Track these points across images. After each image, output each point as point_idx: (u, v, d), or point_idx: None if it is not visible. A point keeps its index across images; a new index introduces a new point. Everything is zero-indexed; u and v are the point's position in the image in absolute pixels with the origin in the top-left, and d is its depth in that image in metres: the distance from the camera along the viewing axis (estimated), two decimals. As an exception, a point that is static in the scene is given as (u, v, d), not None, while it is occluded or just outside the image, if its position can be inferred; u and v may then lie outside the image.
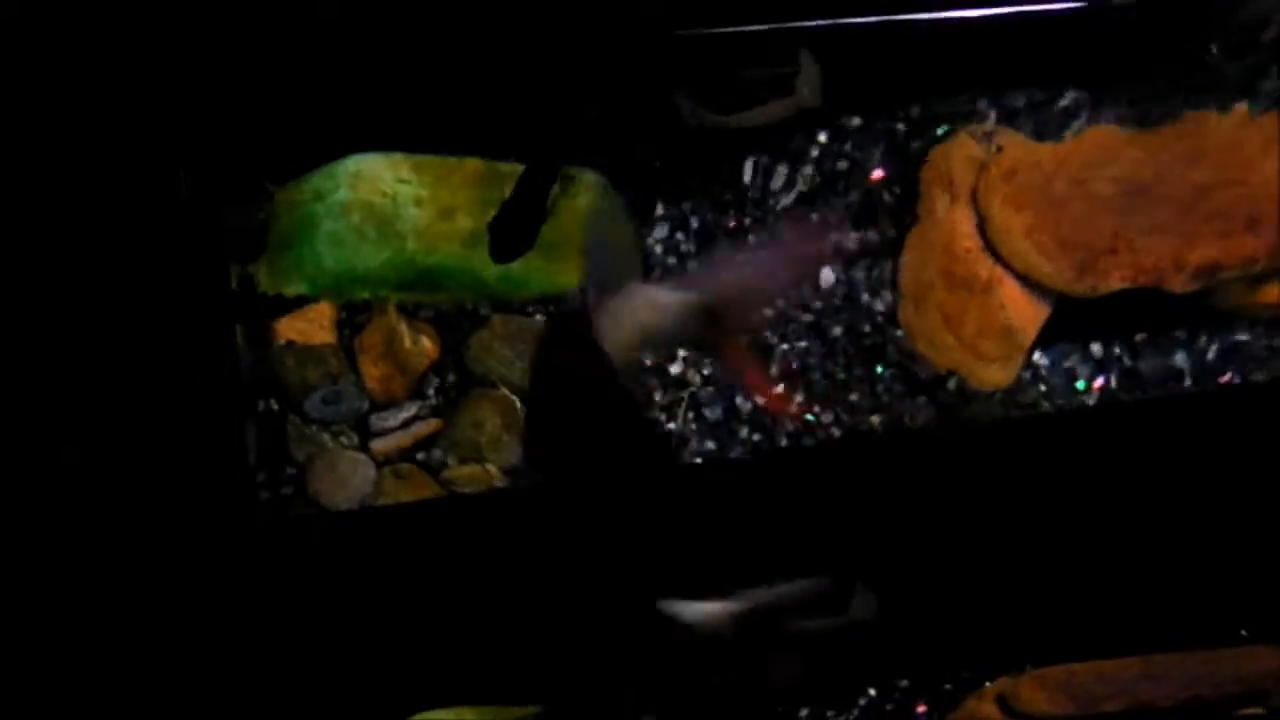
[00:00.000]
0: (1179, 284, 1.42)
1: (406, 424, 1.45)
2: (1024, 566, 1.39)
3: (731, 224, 1.53)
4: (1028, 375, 1.49)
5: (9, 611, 1.29)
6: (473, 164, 1.48)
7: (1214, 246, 1.41)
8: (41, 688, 1.29)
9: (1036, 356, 1.49)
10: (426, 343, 1.47)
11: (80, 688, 1.30)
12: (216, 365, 1.41)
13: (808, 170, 1.54)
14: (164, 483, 1.34)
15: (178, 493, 1.35)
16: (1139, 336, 1.50)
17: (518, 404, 1.45)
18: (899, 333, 1.49)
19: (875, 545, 1.41)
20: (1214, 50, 1.51)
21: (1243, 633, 1.39)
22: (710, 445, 1.48)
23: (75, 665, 1.31)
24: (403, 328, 1.46)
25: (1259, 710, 1.36)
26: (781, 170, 1.54)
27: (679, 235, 1.53)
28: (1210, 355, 1.50)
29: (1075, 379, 1.50)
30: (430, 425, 1.45)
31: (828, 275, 1.51)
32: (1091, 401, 1.49)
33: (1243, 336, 1.49)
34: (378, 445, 1.45)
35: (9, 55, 1.29)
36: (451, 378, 1.47)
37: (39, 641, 1.30)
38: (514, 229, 1.39)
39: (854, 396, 1.49)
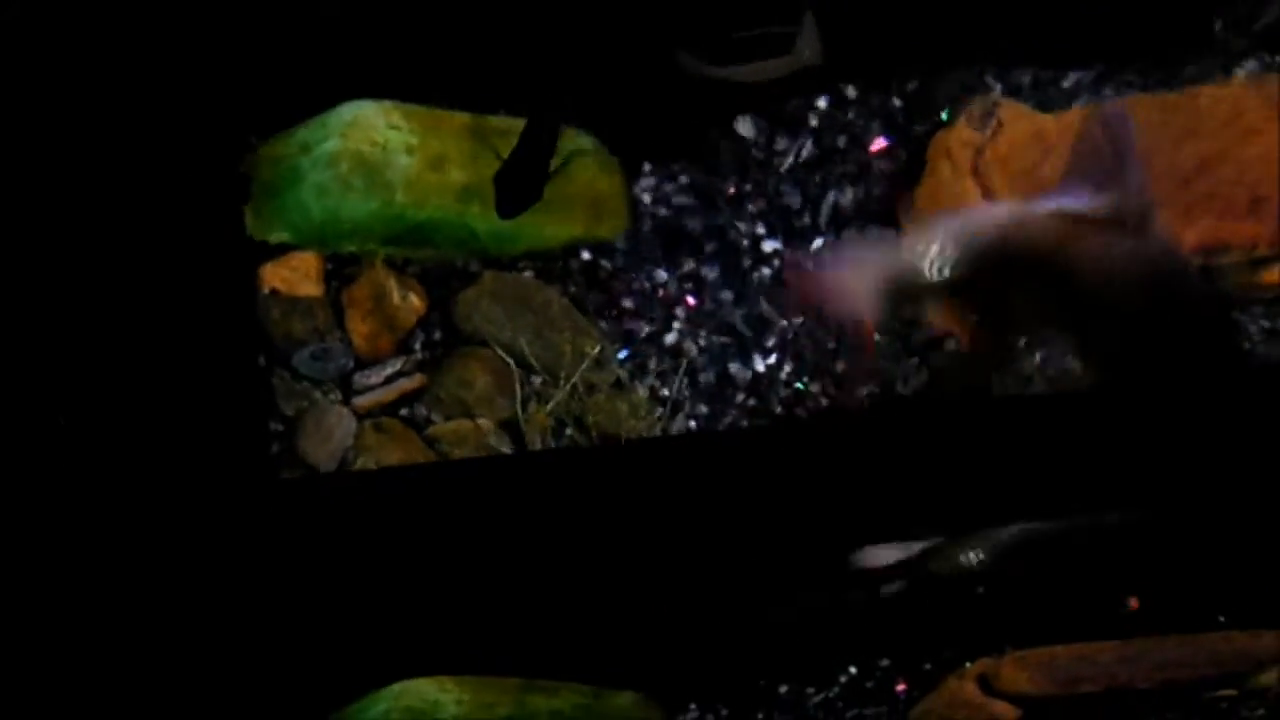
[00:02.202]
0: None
1: (390, 379, 1.43)
2: (1008, 548, 1.38)
3: (730, 190, 1.52)
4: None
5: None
6: (462, 118, 1.46)
7: (1214, 226, 1.40)
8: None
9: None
10: (414, 299, 1.45)
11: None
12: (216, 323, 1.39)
13: (808, 141, 1.52)
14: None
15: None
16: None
17: (511, 364, 1.43)
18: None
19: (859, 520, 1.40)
20: (1219, 26, 1.50)
21: (1220, 618, 1.39)
22: (703, 409, 1.47)
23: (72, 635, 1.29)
24: (391, 283, 1.44)
25: (1233, 691, 1.37)
26: (782, 139, 1.52)
27: (667, 187, 1.51)
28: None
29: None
30: (415, 381, 1.43)
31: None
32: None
33: (1240, 316, 1.49)
34: (360, 400, 1.43)
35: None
36: (438, 335, 1.45)
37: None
38: (521, 182, 1.36)
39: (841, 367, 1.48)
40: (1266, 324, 1.47)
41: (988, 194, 1.43)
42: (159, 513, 1.23)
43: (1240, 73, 1.49)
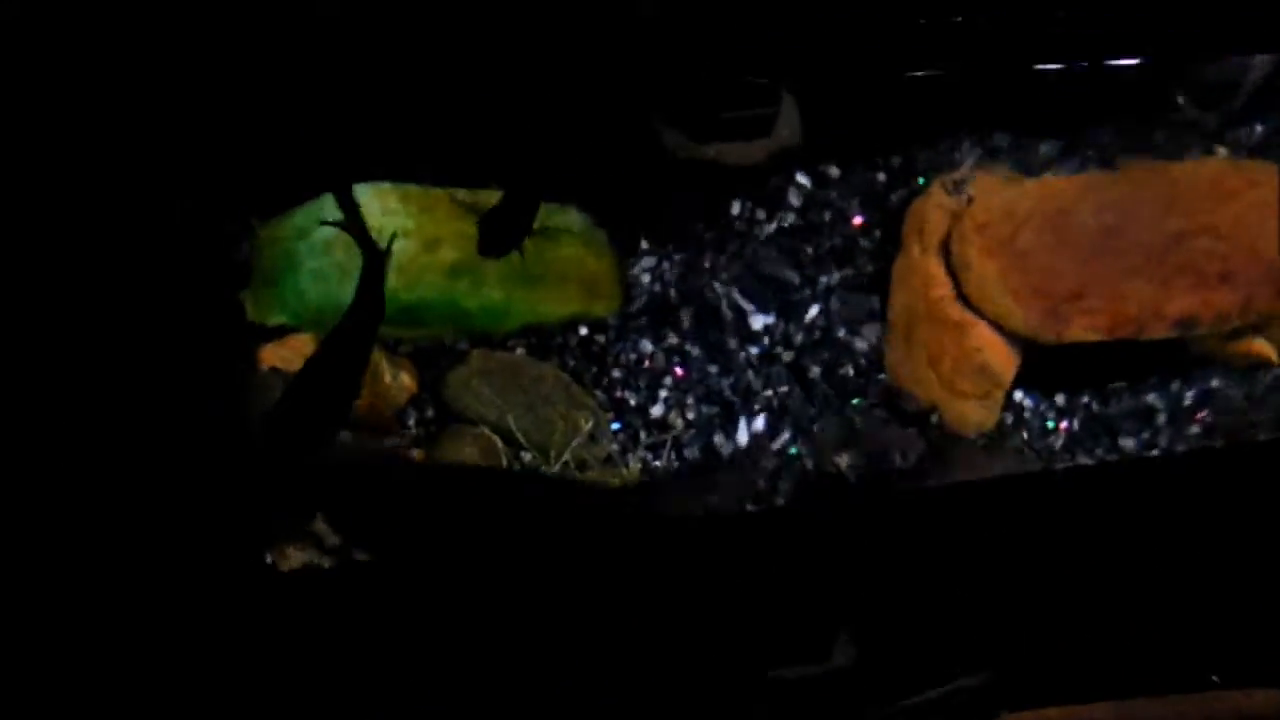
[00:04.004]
0: (1156, 334, 1.44)
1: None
2: (1000, 614, 1.40)
3: (717, 266, 1.55)
4: (1009, 418, 1.51)
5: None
6: (458, 194, 1.49)
7: (1190, 296, 1.43)
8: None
9: (1017, 398, 1.51)
10: (405, 378, 1.47)
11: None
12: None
13: (790, 215, 1.56)
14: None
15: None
16: (1113, 383, 1.52)
17: (499, 443, 1.45)
18: (881, 376, 1.52)
19: (853, 592, 1.41)
20: (1181, 101, 1.54)
21: (1214, 679, 1.40)
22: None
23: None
24: (383, 364, 1.46)
25: (1229, 752, 1.37)
26: (762, 212, 1.56)
27: (664, 265, 1.54)
28: (1186, 400, 1.52)
29: (1047, 423, 1.52)
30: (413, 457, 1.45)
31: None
32: (1060, 443, 1.51)
33: (1216, 383, 1.52)
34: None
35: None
36: (430, 413, 1.48)
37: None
38: (504, 224, 1.38)
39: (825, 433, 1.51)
40: (1243, 391, 1.51)
41: (958, 269, 1.46)
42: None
43: (1219, 150, 1.54)
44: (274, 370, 1.45)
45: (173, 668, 1.29)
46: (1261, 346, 1.48)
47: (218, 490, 1.37)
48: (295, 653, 1.32)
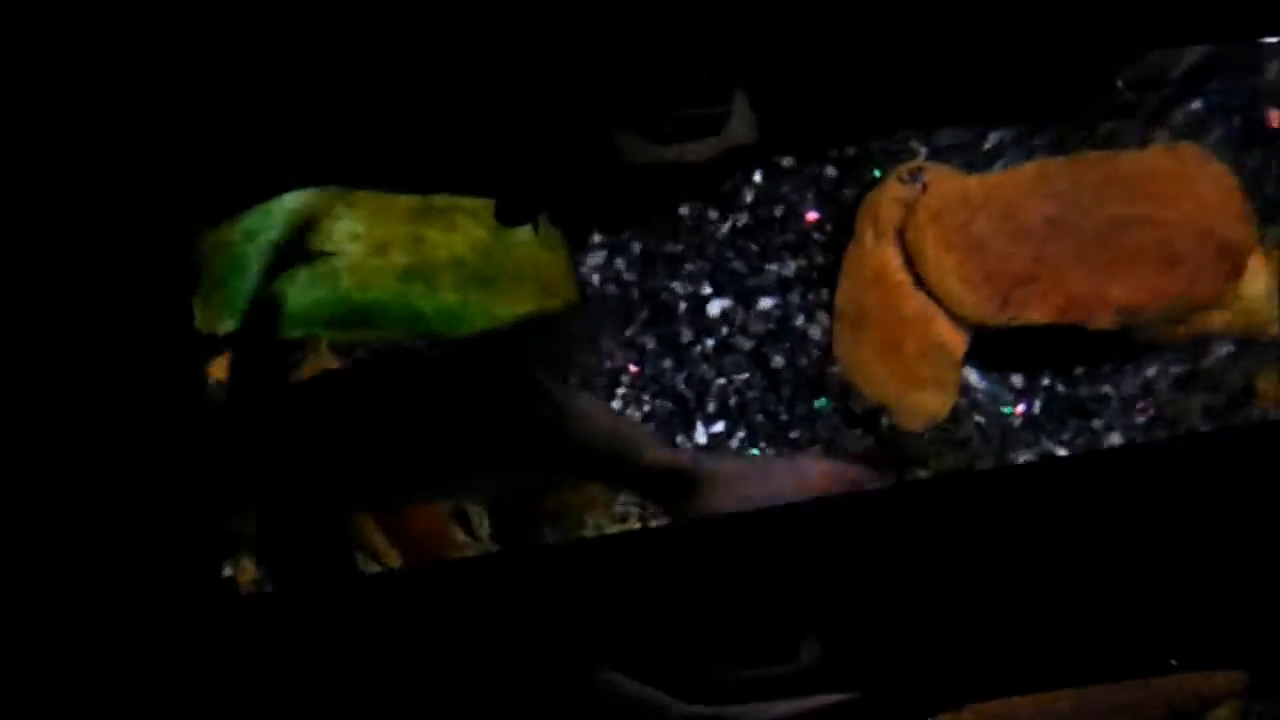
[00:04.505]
0: (1101, 320, 1.45)
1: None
2: (962, 604, 1.40)
3: (673, 259, 1.55)
4: (963, 401, 1.52)
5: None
6: (407, 200, 1.48)
7: (1134, 285, 1.44)
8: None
9: (970, 381, 1.52)
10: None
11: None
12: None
13: (743, 212, 1.57)
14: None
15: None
16: (1061, 365, 1.54)
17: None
18: (835, 367, 1.52)
19: (818, 590, 1.42)
20: (1120, 85, 1.57)
21: (1172, 662, 1.41)
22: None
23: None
24: (335, 367, 1.45)
25: (1188, 731, 1.39)
26: (714, 211, 1.57)
27: (614, 260, 1.54)
28: (1134, 385, 1.54)
29: (1003, 409, 1.53)
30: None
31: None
32: (1017, 424, 1.52)
33: (1151, 371, 1.54)
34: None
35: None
36: (387, 417, 1.46)
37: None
38: (523, 194, 1.37)
39: (794, 434, 1.51)
40: (1179, 369, 1.53)
41: (912, 259, 1.47)
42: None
43: (1161, 134, 1.56)
44: (222, 384, 1.43)
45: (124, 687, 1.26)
46: (1208, 322, 1.50)
47: (169, 501, 1.35)
48: (254, 670, 1.30)
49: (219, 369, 1.43)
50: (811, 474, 1.39)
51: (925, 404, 1.49)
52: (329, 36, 1.37)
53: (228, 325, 1.45)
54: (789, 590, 1.39)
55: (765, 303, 1.55)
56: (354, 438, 1.19)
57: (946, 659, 1.41)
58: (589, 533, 1.42)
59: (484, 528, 1.41)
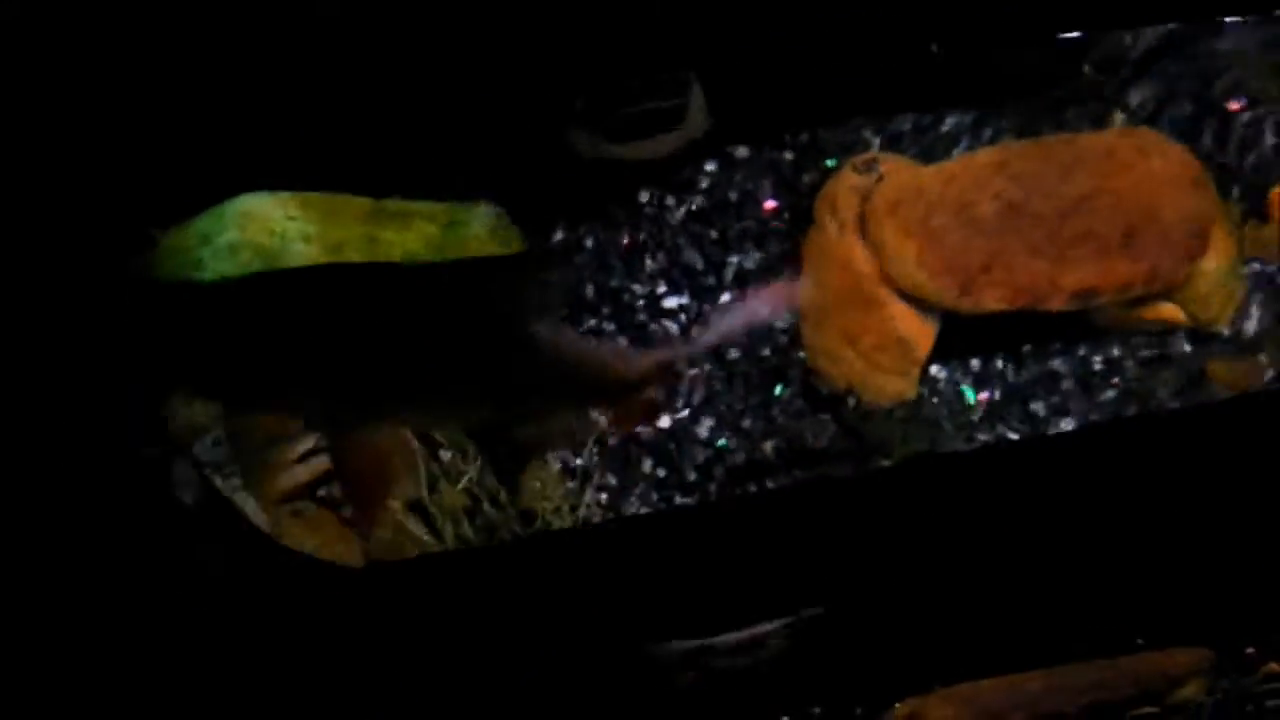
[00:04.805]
0: (1057, 305, 1.46)
1: (304, 458, 1.41)
2: (930, 587, 1.41)
3: (626, 241, 1.55)
4: (924, 390, 1.52)
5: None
6: (360, 203, 1.47)
7: (1089, 269, 1.44)
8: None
9: (933, 370, 1.53)
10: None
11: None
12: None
13: (700, 199, 1.56)
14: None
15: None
16: (1023, 350, 1.54)
17: (415, 443, 1.42)
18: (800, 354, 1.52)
19: (785, 576, 1.42)
20: (1087, 68, 1.57)
21: (1139, 641, 1.42)
22: (613, 481, 1.48)
23: None
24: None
25: (1155, 709, 1.39)
26: (671, 200, 1.56)
27: (572, 254, 1.54)
28: (1094, 368, 1.54)
29: (964, 393, 1.54)
30: (327, 460, 1.42)
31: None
32: (979, 415, 1.53)
33: (1117, 352, 1.54)
34: (275, 483, 1.41)
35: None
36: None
37: None
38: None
39: (748, 422, 1.51)
40: (1147, 353, 1.54)
41: (873, 246, 1.47)
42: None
43: (1118, 115, 1.57)
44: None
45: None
46: (1169, 311, 1.51)
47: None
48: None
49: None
50: (759, 306, 1.42)
51: (888, 386, 1.50)
52: (281, 41, 1.37)
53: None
54: (756, 576, 1.39)
55: (726, 296, 1.55)
56: (314, 344, 1.15)
57: (914, 643, 1.41)
58: (557, 524, 1.42)
59: (448, 529, 1.40)
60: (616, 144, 1.48)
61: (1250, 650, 1.42)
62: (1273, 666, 1.42)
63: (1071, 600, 1.43)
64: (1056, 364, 1.54)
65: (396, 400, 1.16)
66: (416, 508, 1.42)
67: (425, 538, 1.40)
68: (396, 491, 1.41)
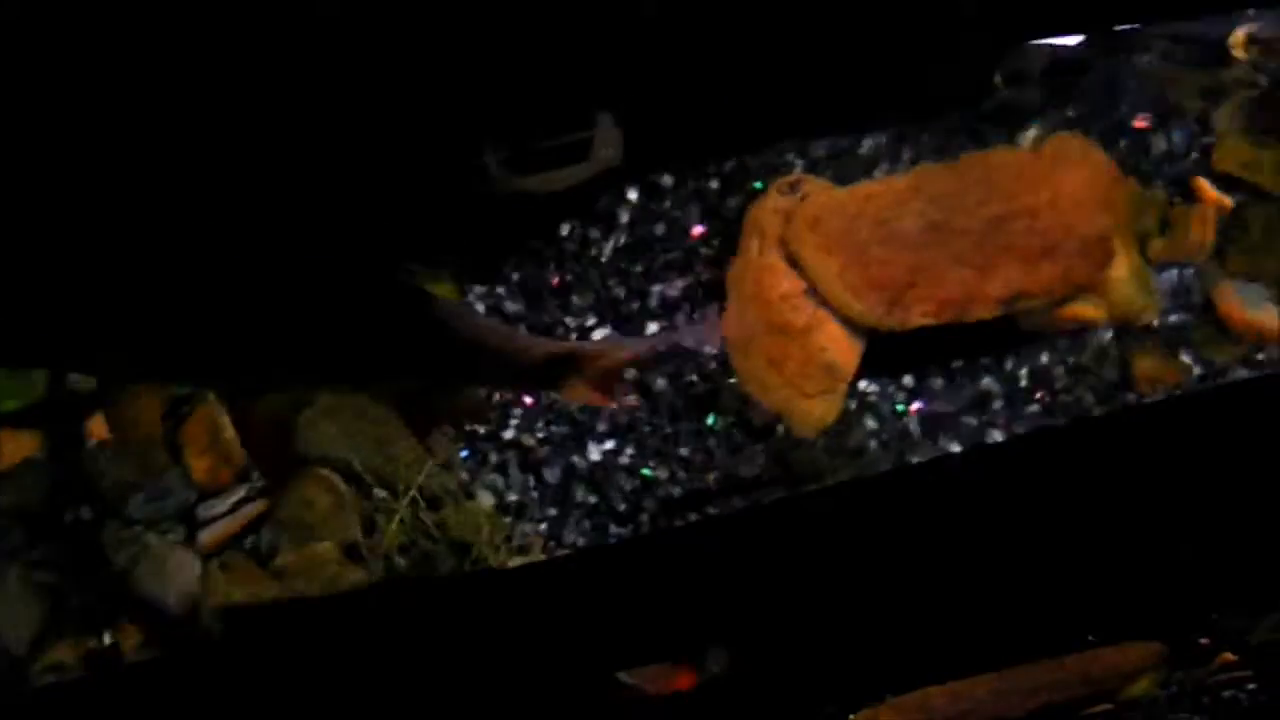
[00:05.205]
0: (984, 313, 1.47)
1: (235, 508, 1.41)
2: (876, 598, 1.39)
3: (555, 281, 1.56)
4: (853, 405, 1.52)
5: None
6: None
7: (1014, 274, 1.46)
8: None
9: (862, 386, 1.53)
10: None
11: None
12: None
13: (624, 230, 1.58)
14: None
15: None
16: (953, 364, 1.55)
17: (341, 485, 1.42)
18: (731, 380, 1.53)
19: (725, 593, 1.40)
20: (999, 81, 1.61)
21: (1090, 638, 1.41)
22: (552, 512, 1.48)
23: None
24: (224, 418, 1.44)
25: (1109, 706, 1.37)
26: (596, 231, 1.58)
27: (499, 290, 1.55)
28: (1021, 378, 1.55)
29: (896, 408, 1.54)
30: (259, 506, 1.42)
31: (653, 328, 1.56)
32: (913, 427, 1.53)
33: (1044, 358, 1.55)
34: (206, 536, 1.40)
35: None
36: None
37: None
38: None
39: (685, 451, 1.51)
40: (1071, 359, 1.55)
41: (795, 264, 1.49)
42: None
43: (1029, 131, 1.60)
44: (101, 445, 1.42)
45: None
46: (1086, 309, 1.52)
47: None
48: None
49: (99, 429, 1.41)
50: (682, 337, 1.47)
51: (813, 410, 1.50)
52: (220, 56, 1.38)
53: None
54: (699, 598, 1.38)
55: (651, 327, 1.55)
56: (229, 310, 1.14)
57: (862, 655, 1.39)
58: (492, 558, 1.41)
59: (378, 562, 1.39)
60: (528, 177, 1.50)
61: (1204, 641, 1.40)
62: (1227, 656, 1.40)
63: (1021, 601, 1.42)
64: (986, 381, 1.55)
65: (313, 368, 1.16)
66: (352, 551, 1.41)
67: (362, 576, 1.39)
68: (328, 534, 1.40)
